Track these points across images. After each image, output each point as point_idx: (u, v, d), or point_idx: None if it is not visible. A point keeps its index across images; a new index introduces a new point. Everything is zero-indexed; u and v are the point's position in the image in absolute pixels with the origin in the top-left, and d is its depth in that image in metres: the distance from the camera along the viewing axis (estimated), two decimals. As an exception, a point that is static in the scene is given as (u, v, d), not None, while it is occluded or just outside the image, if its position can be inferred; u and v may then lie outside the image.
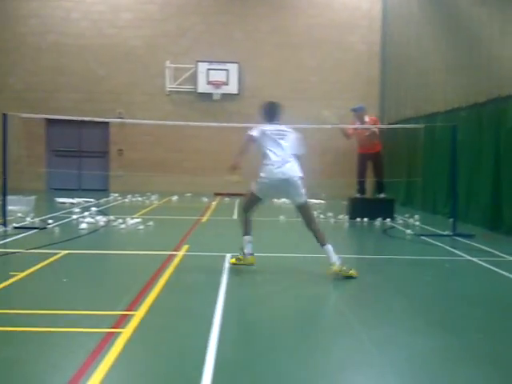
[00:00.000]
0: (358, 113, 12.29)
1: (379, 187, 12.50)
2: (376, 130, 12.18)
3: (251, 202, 6.68)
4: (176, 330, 4.36)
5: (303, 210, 6.54)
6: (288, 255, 7.63)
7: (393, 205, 11.97)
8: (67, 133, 18.83)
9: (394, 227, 10.71)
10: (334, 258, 6.18)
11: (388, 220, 11.37)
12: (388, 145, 15.49)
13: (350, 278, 6.12)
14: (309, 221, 6.51)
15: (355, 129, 12.23)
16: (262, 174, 6.38)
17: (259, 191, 6.52)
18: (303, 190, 6.43)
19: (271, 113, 6.75)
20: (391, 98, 17.72)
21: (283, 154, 6.39)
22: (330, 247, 6.26)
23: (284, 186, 6.35)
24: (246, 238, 6.58)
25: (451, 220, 9.83)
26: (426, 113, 14.17)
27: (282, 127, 6.67)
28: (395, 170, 15.57)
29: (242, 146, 6.64)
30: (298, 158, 6.55)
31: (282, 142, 6.46)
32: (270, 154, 6.36)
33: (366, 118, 12.28)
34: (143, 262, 7.04)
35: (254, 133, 6.48)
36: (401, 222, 11.37)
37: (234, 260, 6.60)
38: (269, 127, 6.53)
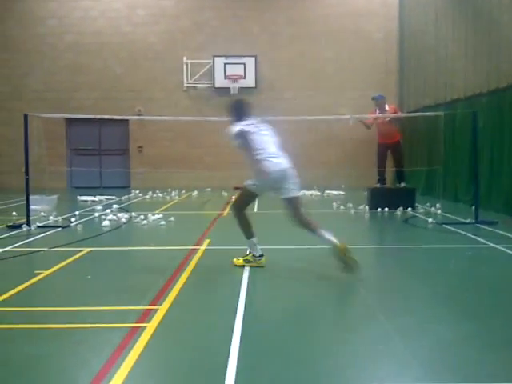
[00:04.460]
0: (379, 101, 12.29)
1: (399, 176, 12.44)
2: (398, 114, 12.38)
3: (247, 201, 6.45)
4: (199, 323, 4.40)
5: (295, 202, 6.19)
6: (308, 247, 7.62)
7: (414, 194, 11.88)
8: (87, 131, 19.01)
9: (415, 216, 10.64)
10: (335, 240, 5.83)
11: (409, 209, 11.30)
12: (407, 134, 15.38)
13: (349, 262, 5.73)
14: (297, 212, 6.17)
15: (375, 118, 12.24)
16: (263, 169, 6.01)
17: (258, 188, 6.23)
18: (298, 181, 6.26)
19: (242, 110, 6.48)
20: (410, 87, 17.54)
21: (273, 146, 6.27)
22: (323, 232, 5.94)
23: (284, 177, 6.11)
24: (253, 240, 6.34)
25: (473, 207, 9.75)
26: (446, 100, 14.02)
27: (257, 121, 6.43)
28: (415, 159, 15.45)
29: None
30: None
31: (265, 134, 6.30)
32: (264, 148, 6.13)
33: (386, 107, 12.29)
34: (165, 258, 7.09)
35: (234, 135, 6.20)
36: (422, 211, 11.29)
37: (241, 261, 6.32)
38: (246, 123, 6.23)
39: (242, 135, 6.12)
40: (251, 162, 6.14)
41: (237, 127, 6.22)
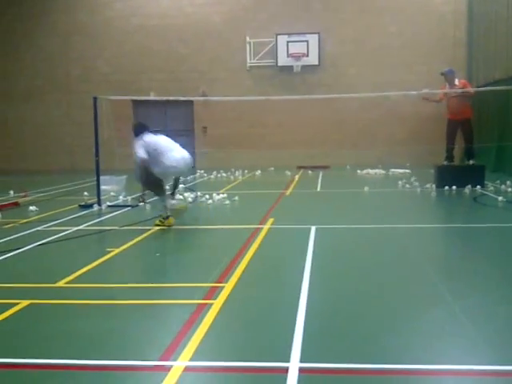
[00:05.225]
0: (448, 76, 11.94)
1: (469, 153, 12.08)
2: (471, 91, 12.03)
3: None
4: (265, 300, 4.47)
5: None
6: (373, 226, 7.56)
7: (483, 171, 11.52)
8: (153, 112, 19.38)
9: (484, 194, 10.34)
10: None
11: (478, 187, 10.98)
12: (477, 109, 14.86)
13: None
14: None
15: (445, 94, 11.95)
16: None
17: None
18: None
19: (141, 128, 7.85)
20: (479, 60, 16.91)
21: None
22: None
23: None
24: (163, 197, 7.85)
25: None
26: (518, 73, 13.45)
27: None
28: (485, 135, 14.94)
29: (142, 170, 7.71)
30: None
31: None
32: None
33: (456, 82, 11.93)
34: (231, 236, 7.21)
35: (141, 152, 7.51)
36: (492, 188, 10.94)
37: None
38: (147, 137, 7.72)
39: (148, 148, 7.72)
40: None
41: (140, 143, 7.67)
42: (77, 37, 19.51)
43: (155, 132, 8.07)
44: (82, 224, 7.98)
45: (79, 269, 5.39)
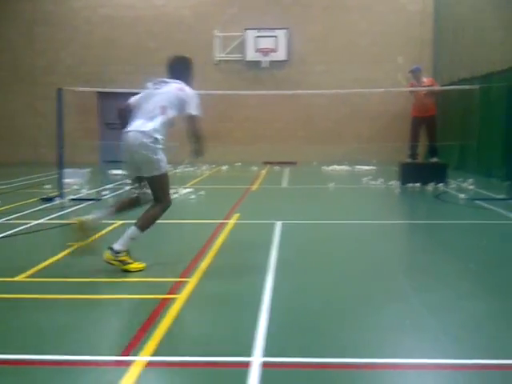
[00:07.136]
0: (416, 73, 12.10)
1: (432, 151, 12.27)
2: (437, 89, 12.26)
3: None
4: (229, 295, 4.45)
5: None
6: (338, 222, 7.61)
7: (445, 169, 11.70)
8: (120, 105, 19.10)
9: (446, 192, 10.50)
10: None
11: (441, 184, 11.14)
12: (441, 107, 15.08)
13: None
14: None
15: (411, 91, 12.12)
16: None
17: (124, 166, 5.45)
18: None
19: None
20: (445, 60, 17.16)
21: (140, 109, 5.39)
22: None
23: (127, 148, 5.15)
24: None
25: (507, 183, 9.57)
26: (482, 73, 13.69)
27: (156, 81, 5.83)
28: (448, 133, 15.17)
29: None
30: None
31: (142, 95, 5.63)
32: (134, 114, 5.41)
33: (424, 79, 12.11)
34: (196, 231, 7.17)
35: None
36: (454, 186, 11.13)
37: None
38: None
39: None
40: None
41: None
42: (42, 27, 19.09)
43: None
44: (43, 217, 7.82)
45: (39, 263, 5.28)
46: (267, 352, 3.26)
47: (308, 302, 4.31)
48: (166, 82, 5.62)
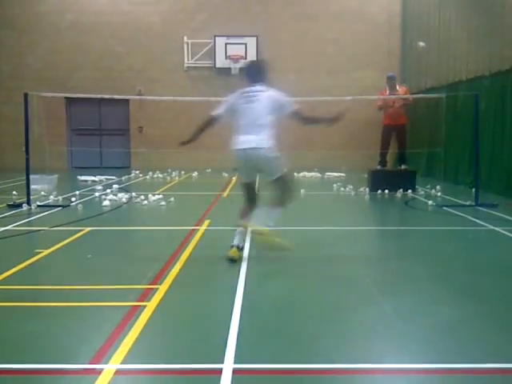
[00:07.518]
0: (392, 81, 12.12)
1: (401, 159, 12.40)
2: (410, 100, 12.40)
3: (245, 192, 6.35)
4: (200, 302, 4.42)
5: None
6: (308, 228, 7.64)
7: (414, 176, 11.87)
8: (87, 111, 18.94)
9: (415, 198, 10.65)
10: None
11: (409, 191, 11.29)
12: (409, 116, 15.27)
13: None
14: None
15: (384, 99, 12.10)
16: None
17: (239, 171, 6.22)
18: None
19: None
20: (412, 69, 17.43)
21: (248, 120, 5.99)
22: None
23: (246, 159, 5.93)
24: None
25: (473, 190, 9.75)
26: (448, 82, 13.95)
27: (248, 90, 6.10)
28: (416, 141, 15.39)
29: None
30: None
31: (247, 106, 6.01)
32: (240, 123, 6.08)
33: (398, 88, 12.16)
34: (166, 238, 7.11)
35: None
36: (422, 193, 11.29)
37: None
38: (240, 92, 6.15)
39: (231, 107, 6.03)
40: None
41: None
42: (7, 31, 18.78)
43: None
44: (10, 224, 7.67)
45: (6, 270, 5.17)
46: (239, 358, 3.24)
47: (279, 307, 4.31)
48: (255, 92, 5.93)
